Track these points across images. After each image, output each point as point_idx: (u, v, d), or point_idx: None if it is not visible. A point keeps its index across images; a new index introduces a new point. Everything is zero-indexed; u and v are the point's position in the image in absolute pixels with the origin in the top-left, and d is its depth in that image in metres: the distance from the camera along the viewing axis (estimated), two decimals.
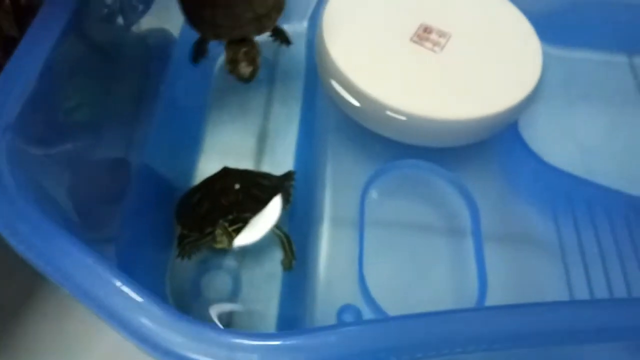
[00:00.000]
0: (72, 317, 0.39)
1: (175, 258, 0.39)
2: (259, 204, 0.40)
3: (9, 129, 0.28)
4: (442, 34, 0.46)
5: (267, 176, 0.43)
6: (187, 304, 0.40)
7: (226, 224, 0.38)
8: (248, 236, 0.37)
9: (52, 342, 0.39)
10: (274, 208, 0.38)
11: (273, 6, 0.40)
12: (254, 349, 0.24)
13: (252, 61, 0.41)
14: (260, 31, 0.40)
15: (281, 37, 0.50)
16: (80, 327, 0.39)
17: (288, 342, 0.24)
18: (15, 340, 0.38)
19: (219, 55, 0.51)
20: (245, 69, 0.42)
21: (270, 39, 0.49)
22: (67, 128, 0.33)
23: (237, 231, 0.39)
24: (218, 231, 0.38)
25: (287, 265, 0.40)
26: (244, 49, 0.41)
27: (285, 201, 0.41)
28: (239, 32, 0.39)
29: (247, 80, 0.43)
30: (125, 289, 0.23)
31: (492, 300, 0.40)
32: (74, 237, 0.24)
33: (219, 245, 0.39)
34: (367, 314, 0.39)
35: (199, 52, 0.46)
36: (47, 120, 0.31)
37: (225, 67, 0.43)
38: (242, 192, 0.41)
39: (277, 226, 0.40)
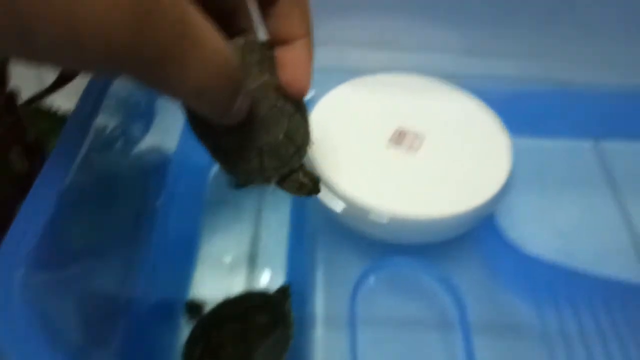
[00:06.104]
0: None
1: None
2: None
3: (25, 263, 0.29)
4: (416, 136, 0.50)
5: (264, 306, 0.45)
6: None
7: None
8: None
9: None
10: None
11: (305, 133, 0.39)
12: None
13: (310, 176, 0.40)
14: (300, 160, 0.39)
15: None
16: None
17: None
18: None
19: (211, 165, 0.55)
20: (311, 185, 0.40)
21: None
22: (75, 253, 0.36)
23: None
24: None
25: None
26: (297, 174, 0.40)
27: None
28: (286, 168, 0.39)
29: (318, 191, 0.42)
30: None
31: None
32: None
33: None
34: None
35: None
36: (60, 248, 0.34)
37: (295, 194, 0.42)
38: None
39: None
